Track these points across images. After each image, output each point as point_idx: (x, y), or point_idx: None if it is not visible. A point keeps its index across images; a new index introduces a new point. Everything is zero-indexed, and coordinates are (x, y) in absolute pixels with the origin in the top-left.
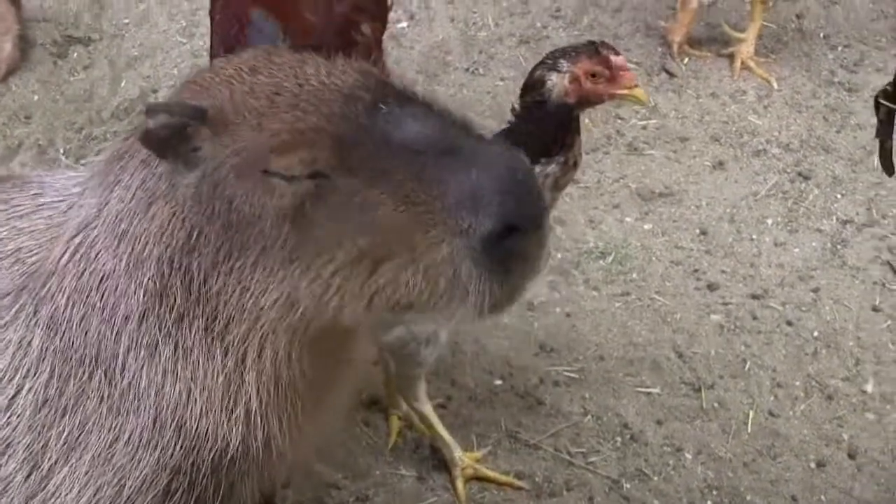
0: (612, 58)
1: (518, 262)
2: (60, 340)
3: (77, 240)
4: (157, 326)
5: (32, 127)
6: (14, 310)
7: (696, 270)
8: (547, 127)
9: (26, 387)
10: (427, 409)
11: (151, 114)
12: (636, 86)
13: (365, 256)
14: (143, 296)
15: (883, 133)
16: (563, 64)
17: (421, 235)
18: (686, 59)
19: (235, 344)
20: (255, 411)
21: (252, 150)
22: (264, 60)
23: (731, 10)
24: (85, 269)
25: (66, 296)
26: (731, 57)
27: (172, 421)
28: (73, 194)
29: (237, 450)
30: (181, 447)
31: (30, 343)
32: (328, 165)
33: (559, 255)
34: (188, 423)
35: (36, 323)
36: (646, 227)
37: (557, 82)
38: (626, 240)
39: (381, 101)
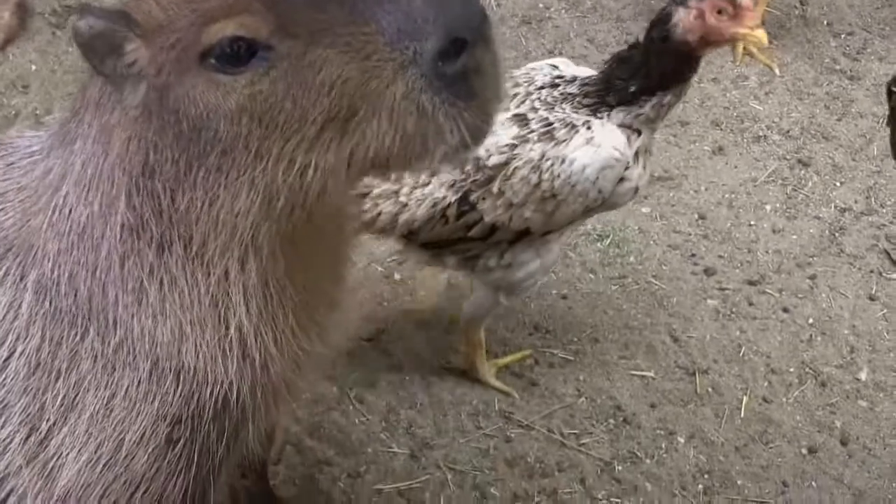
0: None
1: (477, 78)
2: (50, 304)
3: (53, 201)
4: (139, 265)
5: (30, 96)
6: None
7: (693, 255)
8: (666, 63)
9: (18, 350)
10: (482, 335)
11: (82, 14)
12: (759, 26)
13: (331, 122)
14: (120, 234)
15: (894, 121)
16: (688, 1)
17: (374, 80)
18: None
19: (215, 261)
20: (248, 331)
21: (185, 35)
22: None
23: None
24: (65, 229)
25: (51, 259)
26: (734, 41)
27: (169, 368)
28: (41, 151)
29: (237, 383)
30: (180, 394)
31: (19, 307)
32: (267, 32)
33: None
34: (185, 365)
35: (24, 287)
36: (644, 210)
37: (683, 17)
38: (624, 223)
39: None
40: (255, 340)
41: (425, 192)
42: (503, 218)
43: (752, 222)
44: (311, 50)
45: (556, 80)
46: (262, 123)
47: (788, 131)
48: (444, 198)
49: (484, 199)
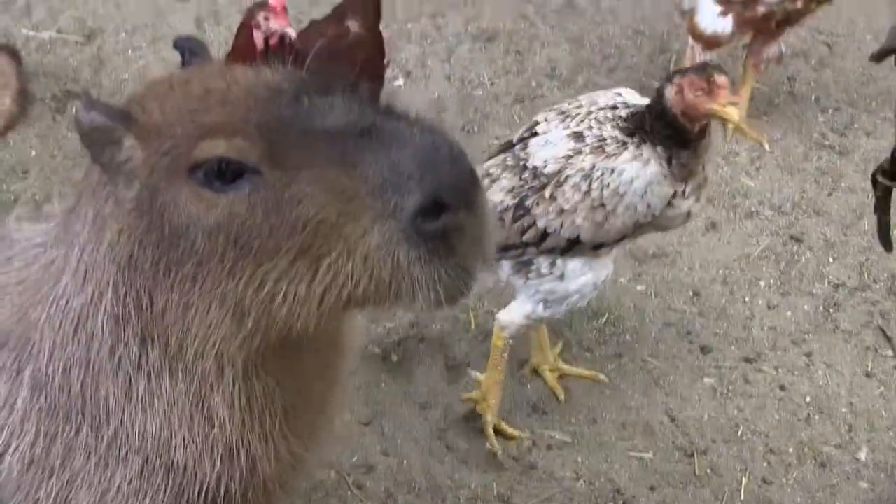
0: (715, 76)
1: (458, 239)
2: (45, 399)
3: (52, 293)
4: (127, 358)
5: (29, 181)
6: None
7: (689, 333)
8: (667, 128)
9: (13, 446)
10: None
11: (84, 107)
12: (731, 104)
13: (304, 255)
14: (108, 325)
15: (880, 209)
16: (674, 78)
17: (351, 224)
18: None
19: (192, 365)
20: (232, 432)
21: (179, 144)
22: (196, 71)
23: None
24: (61, 321)
25: (46, 354)
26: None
27: (159, 464)
28: (39, 245)
29: (224, 482)
30: (170, 491)
31: (14, 402)
32: (256, 157)
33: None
34: (174, 462)
35: (20, 382)
36: (639, 288)
37: (668, 93)
38: (620, 300)
39: (304, 92)
40: (242, 441)
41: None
42: (555, 224)
43: (747, 299)
44: (294, 184)
45: (617, 104)
46: (238, 244)
47: (780, 207)
48: (503, 201)
49: (538, 203)
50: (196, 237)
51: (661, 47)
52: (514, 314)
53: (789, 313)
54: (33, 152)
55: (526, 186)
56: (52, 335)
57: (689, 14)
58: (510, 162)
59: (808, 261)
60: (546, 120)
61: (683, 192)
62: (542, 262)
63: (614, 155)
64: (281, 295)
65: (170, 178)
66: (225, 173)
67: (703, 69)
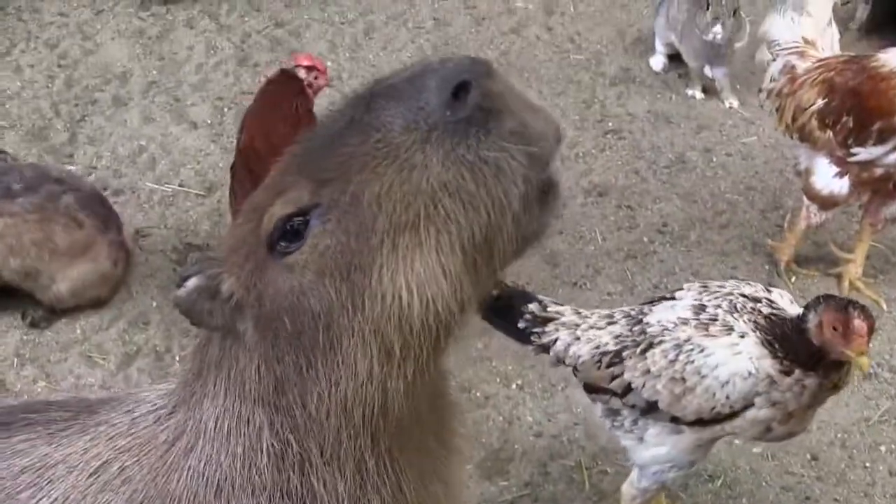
0: (854, 320)
1: (502, 101)
2: None
3: (188, 463)
4: (286, 493)
5: (150, 333)
6: None
7: (807, 498)
8: (804, 348)
9: None
10: None
11: (178, 284)
12: (863, 354)
13: (402, 233)
14: (268, 469)
15: None
16: (819, 307)
17: (410, 170)
18: (793, 278)
19: (349, 455)
20: None
21: (249, 241)
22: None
23: (838, 230)
24: (198, 489)
25: None
26: (839, 277)
27: None
28: (164, 408)
29: None
30: None
31: None
32: (308, 194)
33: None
34: None
35: None
36: (755, 450)
37: (811, 321)
38: (735, 462)
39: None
40: None
41: (596, 333)
42: (638, 381)
43: (868, 464)
44: (348, 184)
45: (761, 298)
46: (344, 273)
47: None
48: (607, 344)
49: (630, 357)
50: (311, 304)
51: (775, 203)
52: (632, 486)
53: None
54: (154, 304)
55: (630, 338)
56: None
57: (804, 173)
58: (633, 313)
59: None
60: (688, 289)
61: (775, 405)
62: (627, 416)
63: (713, 336)
64: (405, 288)
65: (262, 276)
66: (296, 229)
67: (845, 308)
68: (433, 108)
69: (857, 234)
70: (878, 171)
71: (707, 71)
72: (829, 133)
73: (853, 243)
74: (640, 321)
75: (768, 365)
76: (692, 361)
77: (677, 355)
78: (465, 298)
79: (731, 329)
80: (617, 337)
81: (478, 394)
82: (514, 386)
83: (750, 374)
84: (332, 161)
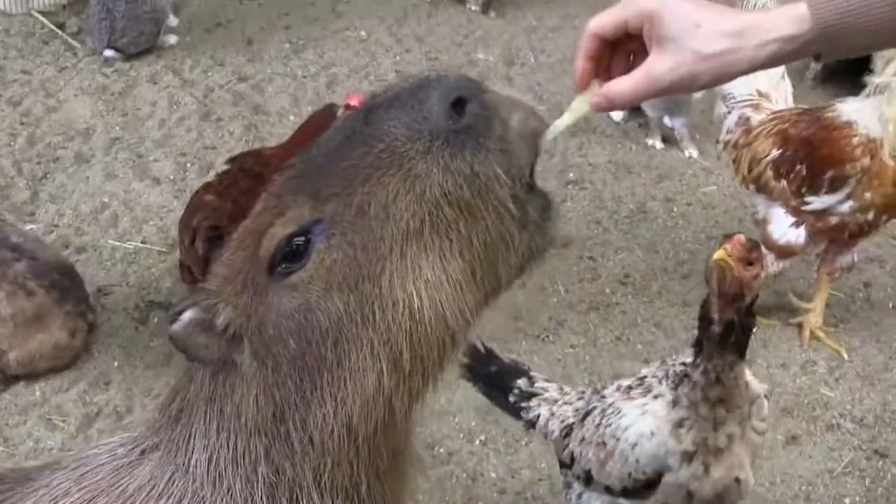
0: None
1: (503, 109)
2: None
3: None
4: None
5: (111, 393)
6: None
7: None
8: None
9: None
10: None
11: (171, 317)
12: (727, 253)
13: (410, 242)
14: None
15: None
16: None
17: (413, 180)
18: (755, 328)
19: (347, 482)
20: None
21: (247, 267)
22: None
23: (798, 279)
24: None
25: None
26: (800, 326)
27: None
28: (126, 457)
29: None
30: None
31: None
32: (308, 211)
33: None
34: None
35: None
36: None
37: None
38: None
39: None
40: None
41: (566, 409)
42: (577, 450)
43: None
44: (352, 196)
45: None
46: (352, 285)
47: (862, 419)
48: (569, 417)
49: (576, 427)
50: (319, 320)
51: None
52: None
53: None
54: (115, 363)
55: (583, 411)
56: None
57: (761, 223)
58: (599, 386)
59: (895, 477)
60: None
61: (689, 457)
62: (575, 489)
63: (630, 399)
64: (415, 294)
65: (262, 301)
66: (298, 249)
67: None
68: (436, 118)
69: (816, 282)
70: (833, 220)
71: (666, 121)
72: (784, 182)
73: (812, 292)
74: (600, 393)
75: (672, 415)
76: (610, 424)
77: (601, 419)
78: (470, 308)
79: (650, 391)
80: (577, 410)
81: (441, 450)
82: (477, 441)
83: (652, 433)
84: (332, 176)
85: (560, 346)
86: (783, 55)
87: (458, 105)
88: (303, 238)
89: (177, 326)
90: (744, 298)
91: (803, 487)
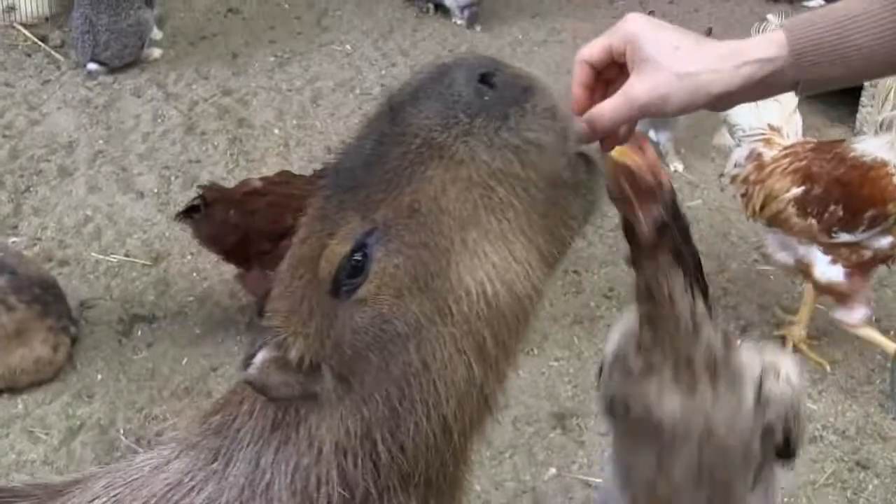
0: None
1: (521, 79)
2: None
3: None
4: None
5: (94, 406)
6: None
7: None
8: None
9: None
10: None
11: (244, 365)
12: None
13: (466, 230)
14: None
15: None
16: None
17: (459, 166)
18: (739, 341)
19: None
20: None
21: (308, 293)
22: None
23: (783, 292)
24: None
25: None
26: (783, 338)
27: None
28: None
29: None
30: None
31: None
32: (359, 222)
33: None
34: None
35: None
36: None
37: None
38: None
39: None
40: None
41: None
42: None
43: None
44: (400, 199)
45: None
46: (422, 286)
47: (844, 431)
48: None
49: None
50: (398, 326)
51: (720, 266)
52: None
53: None
54: (99, 376)
55: None
56: None
57: (805, 267)
58: None
59: (877, 488)
60: None
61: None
62: None
63: None
64: (486, 280)
65: (335, 323)
66: (357, 262)
67: None
68: (469, 98)
69: (801, 295)
70: (867, 254)
71: (652, 135)
72: (812, 220)
73: (797, 305)
74: None
75: None
76: None
77: None
78: (540, 278)
79: None
80: None
81: None
82: None
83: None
84: (374, 184)
85: (544, 359)
86: (758, 78)
87: (485, 80)
88: (360, 252)
89: (252, 370)
90: (662, 188)
91: (786, 499)
